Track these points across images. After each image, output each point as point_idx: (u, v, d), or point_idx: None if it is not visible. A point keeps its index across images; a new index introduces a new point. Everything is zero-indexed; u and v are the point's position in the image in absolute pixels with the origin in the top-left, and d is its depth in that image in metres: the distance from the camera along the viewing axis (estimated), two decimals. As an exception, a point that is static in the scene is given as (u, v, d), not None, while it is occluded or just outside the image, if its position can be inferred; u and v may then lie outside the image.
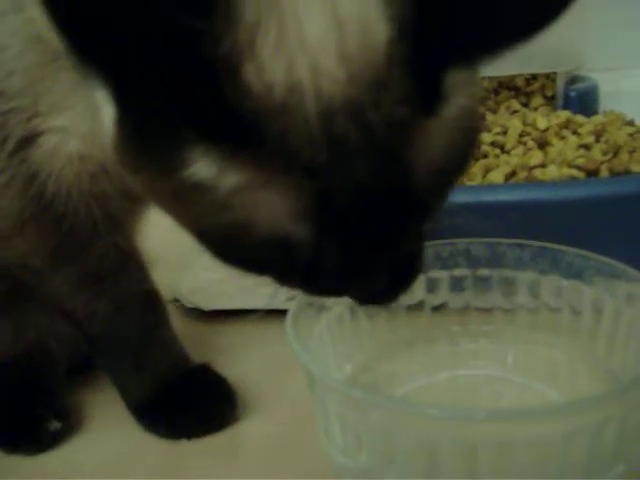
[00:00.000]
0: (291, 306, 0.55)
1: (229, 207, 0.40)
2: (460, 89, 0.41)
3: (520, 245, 0.63)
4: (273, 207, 0.40)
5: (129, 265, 0.63)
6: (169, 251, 0.96)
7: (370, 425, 0.47)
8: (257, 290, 0.85)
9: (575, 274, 0.61)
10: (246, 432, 0.64)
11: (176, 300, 0.87)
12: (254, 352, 0.75)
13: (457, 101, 0.41)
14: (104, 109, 0.45)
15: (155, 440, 0.64)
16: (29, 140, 0.56)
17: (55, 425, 0.64)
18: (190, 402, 0.64)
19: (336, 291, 0.48)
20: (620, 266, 0.58)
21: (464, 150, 0.45)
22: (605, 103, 1.14)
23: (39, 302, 0.66)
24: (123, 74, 0.38)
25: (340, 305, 0.60)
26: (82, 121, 0.55)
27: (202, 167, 0.40)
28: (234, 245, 0.43)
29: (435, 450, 0.43)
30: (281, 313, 0.55)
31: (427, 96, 0.40)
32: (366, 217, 0.41)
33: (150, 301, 0.65)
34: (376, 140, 0.39)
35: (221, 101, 0.37)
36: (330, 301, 0.59)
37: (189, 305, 0.85)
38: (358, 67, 0.38)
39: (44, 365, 0.69)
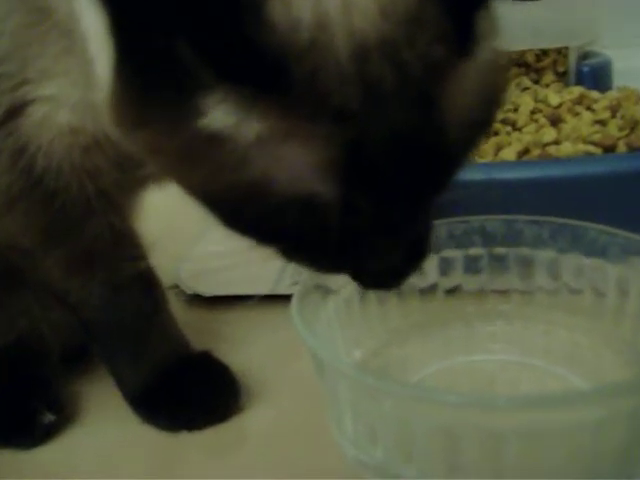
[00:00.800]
0: (296, 289, 0.51)
1: (247, 162, 0.37)
2: (489, 33, 0.39)
3: (538, 222, 0.60)
4: (297, 160, 0.36)
5: (124, 246, 0.59)
6: (168, 235, 0.93)
7: (384, 413, 0.43)
8: (261, 275, 0.83)
9: (598, 252, 0.57)
10: (250, 423, 0.60)
11: (176, 286, 0.84)
12: (258, 339, 0.72)
13: (488, 44, 0.39)
14: (100, 59, 0.41)
15: (154, 432, 0.60)
16: (17, 110, 0.52)
17: (49, 418, 0.61)
18: (190, 392, 0.60)
19: (348, 266, 0.44)
20: (647, 242, 0.54)
21: (492, 97, 0.42)
22: (618, 79, 1.10)
23: (32, 288, 0.63)
24: (130, 8, 0.34)
25: (348, 288, 0.56)
26: (73, 89, 0.51)
27: (219, 115, 0.36)
28: (250, 208, 0.39)
29: (455, 440, 0.40)
30: (285, 298, 0.52)
31: (462, 35, 0.37)
32: (399, 169, 0.37)
33: (147, 284, 0.61)
34: (411, 82, 0.36)
35: (243, 38, 0.33)
36: (338, 284, 0.55)
37: (189, 291, 0.82)
38: (391, 2, 0.35)
39: (37, 354, 0.65)
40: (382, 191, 0.38)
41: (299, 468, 0.54)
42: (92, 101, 0.48)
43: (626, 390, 0.39)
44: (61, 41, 0.50)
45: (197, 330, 0.73)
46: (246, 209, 0.39)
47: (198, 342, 0.67)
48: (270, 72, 0.34)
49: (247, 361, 0.67)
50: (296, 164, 0.36)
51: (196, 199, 0.41)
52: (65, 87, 0.52)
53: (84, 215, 0.56)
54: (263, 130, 0.36)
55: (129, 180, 0.58)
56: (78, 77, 0.50)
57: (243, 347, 0.70)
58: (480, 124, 0.41)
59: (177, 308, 0.80)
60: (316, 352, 0.45)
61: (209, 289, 0.81)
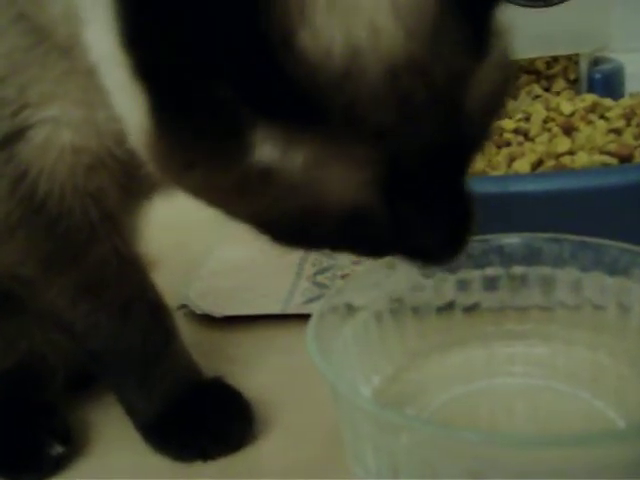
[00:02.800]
0: (313, 314, 0.50)
1: (298, 189, 0.38)
2: (499, 31, 0.41)
3: (558, 240, 0.58)
4: (342, 181, 0.38)
5: (130, 272, 0.57)
6: (177, 254, 0.92)
7: (403, 448, 0.41)
8: (271, 294, 0.81)
9: (621, 270, 0.55)
10: (265, 453, 0.58)
11: (184, 306, 0.82)
12: (270, 361, 0.70)
13: (499, 43, 0.41)
14: (120, 98, 0.41)
15: (166, 463, 0.58)
16: (17, 134, 0.50)
17: (57, 450, 0.59)
18: (203, 420, 0.58)
19: (401, 249, 0.45)
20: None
21: (505, 89, 0.44)
22: (630, 85, 1.08)
23: (33, 315, 0.61)
24: (165, 55, 0.35)
25: (365, 311, 0.55)
26: (76, 109, 0.50)
27: (266, 151, 0.37)
28: (304, 228, 0.41)
29: (470, 472, 0.38)
30: (296, 318, 0.51)
31: (480, 40, 0.39)
32: (434, 173, 0.39)
33: (155, 310, 0.59)
34: (440, 93, 0.37)
35: (277, 74, 0.35)
36: (354, 306, 0.54)
37: (198, 311, 0.80)
38: (414, 21, 0.36)
39: (40, 378, 0.63)
40: (421, 195, 0.40)
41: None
42: (95, 120, 0.49)
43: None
44: (62, 63, 0.49)
45: (207, 352, 0.72)
46: (300, 230, 0.41)
47: (209, 364, 0.65)
48: (306, 105, 0.36)
49: (260, 385, 0.65)
50: (342, 185, 0.38)
51: (247, 224, 0.43)
52: (67, 108, 0.50)
53: (88, 240, 0.54)
54: (308, 159, 0.37)
55: (133, 201, 0.56)
56: (80, 97, 0.49)
57: (255, 370, 0.69)
58: (494, 114, 0.44)
59: (186, 328, 0.79)
60: (332, 383, 0.43)
61: (218, 309, 0.79)
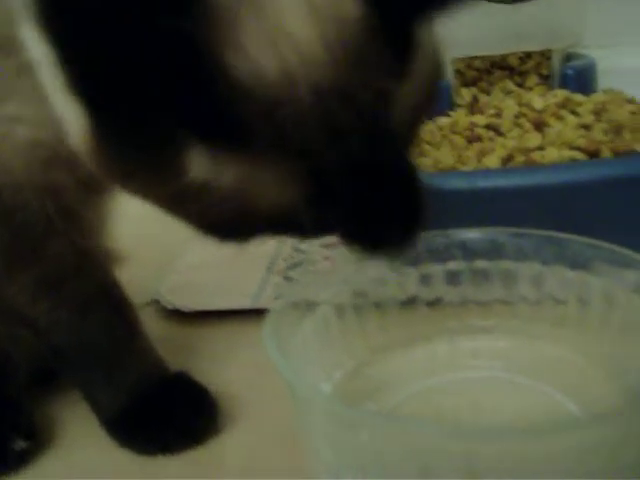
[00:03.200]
0: (270, 310, 0.50)
1: (232, 198, 0.41)
2: (424, 36, 0.43)
3: (521, 235, 0.58)
4: (271, 192, 0.41)
5: (90, 267, 0.57)
6: (148, 249, 0.92)
7: (359, 443, 0.41)
8: (242, 289, 0.81)
9: (582, 264, 0.56)
10: (229, 446, 0.58)
11: (155, 301, 0.82)
12: (238, 356, 0.70)
13: (423, 53, 0.43)
14: (59, 100, 0.42)
15: (131, 457, 0.58)
16: None
17: (21, 445, 0.58)
18: (167, 414, 0.58)
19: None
20: (630, 254, 0.53)
21: (429, 96, 0.46)
22: (603, 81, 1.09)
23: None
24: (95, 70, 0.36)
25: (326, 306, 0.55)
26: (31, 105, 0.49)
27: (202, 169, 0.39)
28: (241, 228, 0.44)
29: (431, 468, 0.38)
30: (267, 313, 0.51)
31: (404, 58, 0.41)
32: (361, 186, 0.41)
33: (118, 306, 0.59)
34: (365, 115, 0.39)
35: (212, 99, 0.37)
36: (313, 302, 0.54)
37: (169, 306, 0.80)
38: (340, 49, 0.38)
39: (3, 374, 0.62)
40: (348, 204, 0.42)
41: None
42: (51, 115, 0.47)
43: (614, 420, 0.37)
44: (11, 60, 0.48)
45: (176, 347, 0.72)
46: (237, 230, 0.45)
47: (177, 359, 0.65)
48: (237, 128, 0.38)
49: (227, 380, 0.65)
50: (270, 196, 0.41)
51: (192, 226, 0.45)
52: (23, 104, 0.50)
53: (45, 235, 0.54)
54: (238, 175, 0.40)
55: (92, 196, 0.56)
56: (35, 93, 0.49)
57: (223, 365, 0.69)
58: (420, 120, 0.46)
59: (156, 324, 0.79)
60: (288, 380, 0.43)
61: (189, 304, 0.79)
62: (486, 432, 0.38)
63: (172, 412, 0.59)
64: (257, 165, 0.39)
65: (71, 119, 0.41)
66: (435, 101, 0.48)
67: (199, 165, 0.39)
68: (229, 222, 0.43)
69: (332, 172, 0.40)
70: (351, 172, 0.41)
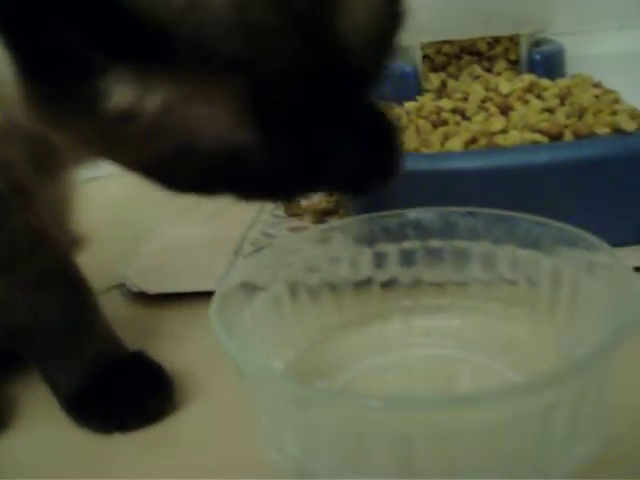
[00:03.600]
0: (218, 288, 0.50)
1: (165, 129, 0.38)
2: None
3: (473, 214, 0.59)
4: (210, 117, 0.38)
5: (44, 246, 0.57)
6: (113, 233, 0.92)
7: (299, 418, 0.42)
8: (208, 272, 0.82)
9: (532, 243, 0.56)
10: (185, 423, 0.59)
11: (122, 285, 0.83)
12: (200, 337, 0.69)
13: None
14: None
15: (87, 435, 0.59)
16: None
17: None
18: (123, 393, 0.59)
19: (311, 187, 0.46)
20: (578, 232, 0.53)
21: (394, 21, 0.43)
22: (572, 67, 1.09)
23: None
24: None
25: (278, 284, 0.55)
26: None
27: (122, 94, 0.37)
28: (185, 169, 0.41)
29: (364, 441, 0.39)
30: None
31: None
32: (307, 99, 0.39)
33: (73, 286, 0.60)
34: (296, 20, 0.37)
35: (121, 14, 0.34)
36: (265, 280, 0.54)
37: (134, 289, 0.80)
38: None
39: None
40: (296, 123, 0.40)
41: (234, 468, 0.53)
42: None
43: (537, 388, 0.38)
44: None
45: (140, 328, 0.73)
46: (182, 171, 0.41)
47: (138, 341, 0.66)
48: (152, 43, 0.35)
49: (186, 360, 0.66)
50: (210, 120, 0.38)
51: (136, 173, 0.43)
52: None
53: None
54: (167, 97, 0.37)
55: (46, 175, 0.56)
56: None
57: (184, 345, 0.70)
58: (384, 44, 0.43)
59: (122, 307, 0.80)
60: (234, 359, 0.43)
61: (154, 287, 0.80)
62: (418, 402, 0.38)
63: (128, 390, 0.59)
64: (185, 85, 0.37)
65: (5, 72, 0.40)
66: (403, 21, 0.44)
67: (119, 90, 0.37)
68: (168, 163, 0.41)
69: (273, 87, 0.38)
70: (294, 88, 0.38)
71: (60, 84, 0.38)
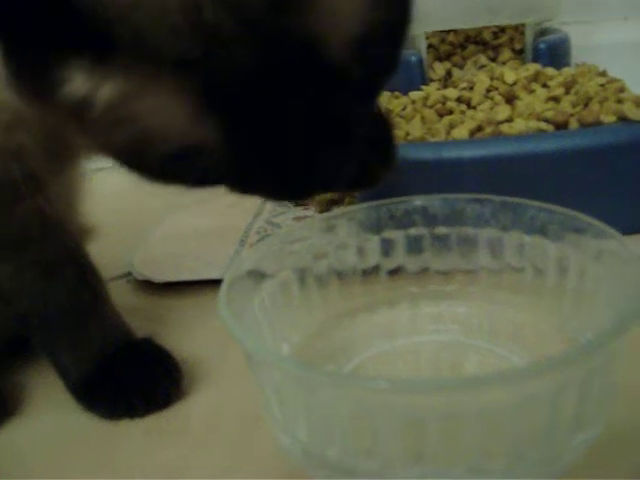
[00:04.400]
0: (225, 276, 0.50)
1: (121, 121, 0.39)
2: None
3: (480, 201, 0.59)
4: (163, 112, 0.38)
5: (55, 233, 0.58)
6: (120, 223, 0.93)
7: (307, 401, 0.42)
8: (214, 261, 0.82)
9: (538, 229, 0.56)
10: (195, 410, 0.59)
11: (129, 274, 0.83)
12: (206, 325, 0.71)
13: None
14: None
15: (97, 421, 0.59)
16: None
17: (-12, 412, 0.59)
18: (131, 379, 0.59)
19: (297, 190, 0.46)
20: (586, 219, 0.53)
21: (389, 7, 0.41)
22: (577, 56, 1.09)
23: None
24: None
25: (286, 271, 0.56)
26: None
27: (77, 83, 0.37)
28: (142, 160, 0.41)
29: (374, 424, 0.39)
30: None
31: None
32: (271, 100, 0.38)
33: (83, 272, 0.60)
34: (254, 21, 0.36)
35: (67, 7, 0.34)
36: (273, 268, 0.54)
37: (140, 278, 0.81)
38: None
39: None
40: (263, 125, 0.39)
41: (242, 454, 0.54)
42: None
43: (545, 370, 0.38)
44: None
45: (146, 316, 0.73)
46: (146, 161, 0.41)
47: (146, 328, 0.66)
48: (98, 34, 0.35)
49: (193, 346, 0.66)
50: (164, 115, 0.38)
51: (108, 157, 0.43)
52: None
53: (11, 199, 0.55)
54: (119, 90, 0.37)
55: (59, 162, 0.56)
56: None
57: (190, 332, 0.70)
58: (377, 26, 0.40)
59: (129, 295, 0.80)
60: (239, 339, 0.44)
61: (160, 275, 0.80)
62: (427, 383, 0.38)
63: (137, 377, 0.60)
64: (133, 79, 0.37)
65: None
66: (405, 12, 0.42)
67: (74, 79, 0.37)
68: (127, 153, 0.41)
69: (227, 89, 0.37)
70: (252, 89, 0.38)
71: (31, 66, 0.38)
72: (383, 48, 0.42)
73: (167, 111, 0.38)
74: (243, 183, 0.45)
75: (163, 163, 0.41)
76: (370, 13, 0.40)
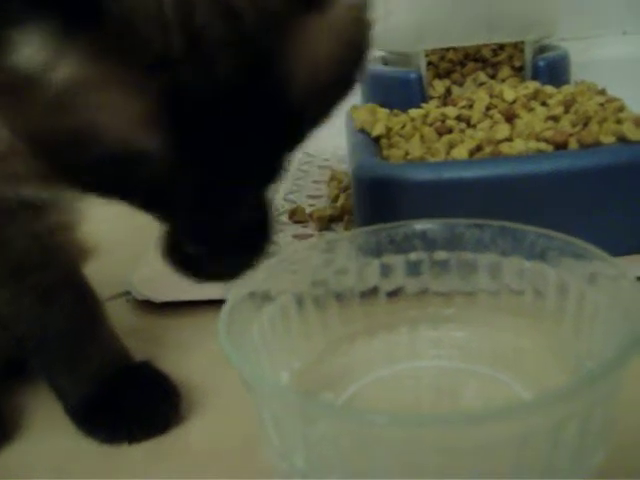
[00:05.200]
0: (226, 300, 0.50)
1: (66, 107, 0.35)
2: None
3: (479, 225, 0.59)
4: (115, 109, 0.35)
5: (53, 258, 0.58)
6: (119, 242, 0.93)
7: (304, 429, 0.42)
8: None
9: (538, 255, 0.56)
10: (194, 434, 0.59)
11: (128, 293, 0.83)
12: (205, 346, 0.71)
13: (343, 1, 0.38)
14: None
15: (95, 446, 0.59)
16: None
17: (-12, 436, 0.59)
18: (129, 403, 0.59)
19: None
20: (583, 245, 0.53)
21: (352, 55, 0.41)
22: (577, 73, 1.09)
23: None
24: None
25: (285, 295, 0.56)
26: None
27: (28, 53, 0.34)
28: (75, 157, 0.38)
29: (371, 455, 0.39)
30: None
31: None
32: (228, 124, 0.36)
33: (80, 296, 0.60)
34: (244, 34, 0.35)
35: None
36: (273, 291, 0.54)
37: (140, 297, 0.81)
38: None
39: None
40: (207, 147, 0.37)
41: (242, 478, 0.53)
42: None
43: (546, 404, 0.38)
44: None
45: (145, 337, 0.73)
46: (70, 159, 0.38)
47: (145, 349, 0.66)
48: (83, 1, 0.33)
49: (192, 369, 0.66)
50: (114, 113, 0.35)
51: (23, 140, 0.40)
52: None
53: (7, 227, 0.54)
54: (77, 72, 0.34)
55: (53, 188, 0.56)
56: None
57: (190, 354, 0.70)
58: (339, 83, 0.41)
59: (127, 314, 0.80)
60: (240, 371, 0.44)
61: (159, 294, 0.80)
62: (423, 418, 0.38)
63: (135, 401, 0.59)
64: (100, 65, 0.34)
65: None
66: (355, 78, 0.42)
67: (28, 46, 0.34)
68: (62, 144, 0.37)
69: (195, 99, 0.35)
70: (214, 106, 0.36)
71: None
72: (330, 101, 0.42)
73: (120, 107, 0.35)
74: (177, 205, 0.41)
75: (96, 164, 0.38)
76: (340, 67, 0.40)
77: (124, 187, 0.40)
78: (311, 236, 0.91)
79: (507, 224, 0.58)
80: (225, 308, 0.49)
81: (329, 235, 0.55)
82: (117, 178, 0.39)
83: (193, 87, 0.35)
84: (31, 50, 0.34)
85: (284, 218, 0.98)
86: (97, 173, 0.39)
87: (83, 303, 0.60)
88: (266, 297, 0.54)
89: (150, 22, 0.33)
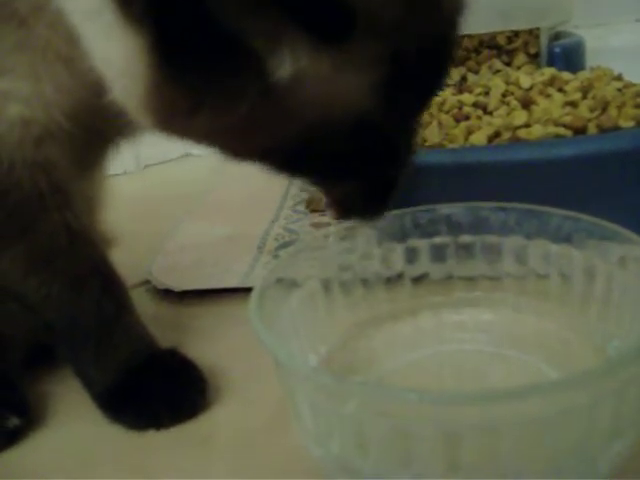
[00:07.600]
0: (256, 285, 0.50)
1: (308, 105, 0.40)
2: None
3: (504, 209, 0.59)
4: (353, 85, 0.40)
5: (81, 244, 0.58)
6: (141, 230, 0.93)
7: (341, 413, 0.42)
8: (233, 269, 0.82)
9: (564, 238, 0.56)
10: (220, 420, 0.59)
11: (147, 282, 0.83)
12: (229, 333, 0.71)
13: None
14: (110, 46, 0.40)
15: (122, 432, 0.59)
16: None
17: (14, 422, 0.59)
18: (156, 390, 0.59)
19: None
20: (612, 227, 0.53)
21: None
22: (591, 60, 1.09)
23: None
24: None
25: (312, 281, 0.56)
26: (24, 83, 0.50)
27: (297, 63, 0.38)
28: (311, 146, 0.42)
29: (410, 437, 0.39)
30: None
31: None
32: (435, 73, 0.43)
33: (107, 282, 0.60)
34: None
35: None
36: (300, 277, 0.54)
37: (160, 286, 0.81)
38: None
39: None
40: (415, 97, 0.44)
41: (268, 464, 0.53)
42: (43, 93, 0.49)
43: (584, 382, 0.38)
44: (16, 34, 0.49)
45: (167, 325, 0.73)
46: (306, 148, 0.43)
47: (168, 337, 0.66)
48: (340, 16, 0.36)
49: (216, 356, 0.66)
50: (351, 91, 0.40)
51: (249, 160, 0.44)
52: (16, 81, 0.50)
53: (38, 212, 0.55)
54: (331, 67, 0.38)
55: (84, 174, 0.56)
56: (29, 70, 0.49)
57: (212, 342, 0.70)
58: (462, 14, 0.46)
59: (148, 304, 0.80)
60: (273, 352, 0.44)
61: (179, 284, 0.80)
62: (463, 396, 0.38)
63: (162, 387, 0.59)
64: (348, 52, 0.38)
65: (120, 66, 0.40)
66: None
67: (294, 59, 0.37)
68: (301, 143, 0.42)
69: (408, 54, 0.40)
70: (423, 56, 0.41)
71: (212, 67, 0.38)
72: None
73: (358, 83, 0.40)
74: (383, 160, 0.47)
75: (323, 147, 0.42)
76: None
77: (350, 159, 0.45)
78: (329, 224, 0.90)
79: (531, 206, 0.58)
80: (254, 294, 0.49)
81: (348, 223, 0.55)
82: (338, 154, 0.44)
83: (406, 45, 0.40)
84: (296, 61, 0.38)
85: (301, 207, 0.98)
86: (324, 155, 0.44)
87: (112, 291, 0.60)
88: (293, 283, 0.54)
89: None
